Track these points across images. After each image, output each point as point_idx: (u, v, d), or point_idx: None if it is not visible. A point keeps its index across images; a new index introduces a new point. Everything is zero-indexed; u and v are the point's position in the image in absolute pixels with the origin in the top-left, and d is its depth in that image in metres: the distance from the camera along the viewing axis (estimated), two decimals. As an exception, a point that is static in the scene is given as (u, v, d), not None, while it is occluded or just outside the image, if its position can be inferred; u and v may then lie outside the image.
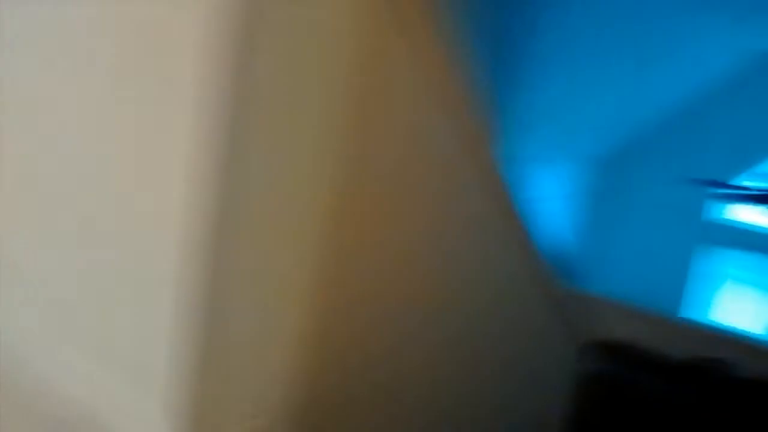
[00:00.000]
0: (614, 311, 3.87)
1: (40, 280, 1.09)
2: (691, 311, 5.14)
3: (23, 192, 1.08)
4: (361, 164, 1.25)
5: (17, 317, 1.13)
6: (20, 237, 1.10)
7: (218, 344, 1.03)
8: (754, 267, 5.08)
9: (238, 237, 1.01)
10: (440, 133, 1.45)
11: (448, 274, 1.65)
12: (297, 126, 1.06)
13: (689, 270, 5.17)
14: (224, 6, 0.85)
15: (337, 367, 1.34)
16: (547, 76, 3.60)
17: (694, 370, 3.34)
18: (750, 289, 5.08)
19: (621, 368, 3.46)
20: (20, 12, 1.03)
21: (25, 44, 1.04)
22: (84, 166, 1.00)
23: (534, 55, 3.43)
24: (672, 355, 3.62)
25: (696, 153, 5.03)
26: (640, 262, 5.25)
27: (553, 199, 5.16)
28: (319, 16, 1.01)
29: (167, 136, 0.91)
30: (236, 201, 0.96)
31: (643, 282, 5.12)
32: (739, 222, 5.06)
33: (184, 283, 0.93)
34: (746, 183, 4.62)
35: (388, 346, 1.49)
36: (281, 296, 1.14)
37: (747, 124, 4.85)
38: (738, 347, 3.53)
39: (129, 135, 0.95)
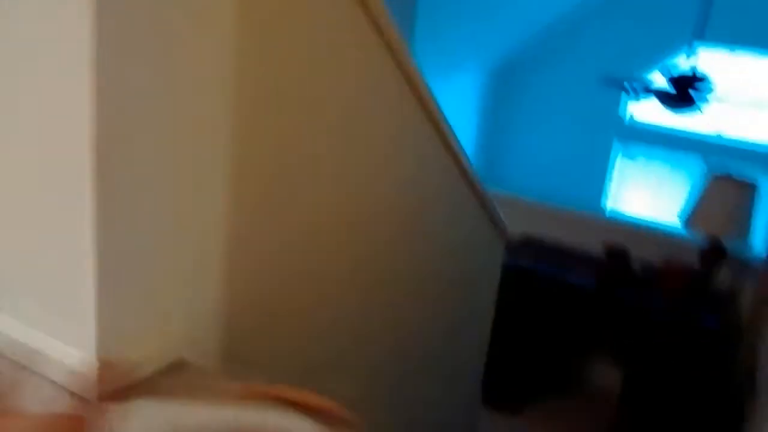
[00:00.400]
0: (532, 210, 4.01)
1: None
2: (599, 205, 5.39)
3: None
4: (268, 77, 1.23)
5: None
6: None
7: (135, 276, 1.03)
8: (657, 161, 5.32)
9: (146, 154, 1.00)
10: (356, 40, 1.43)
11: (378, 178, 1.67)
12: (193, 52, 1.04)
13: (597, 167, 5.37)
14: None
15: (260, 290, 1.36)
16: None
17: (599, 260, 3.53)
18: (655, 181, 5.34)
19: (539, 263, 3.63)
20: None
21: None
22: None
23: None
24: (581, 248, 3.81)
25: (600, 51, 5.14)
26: (550, 162, 5.42)
27: (461, 108, 5.20)
28: None
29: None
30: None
31: (553, 181, 5.31)
32: (642, 119, 5.25)
33: (100, 213, 0.93)
34: (648, 80, 4.77)
35: (314, 258, 1.51)
36: (198, 226, 1.14)
37: (647, 22, 4.98)
38: (642, 236, 3.75)
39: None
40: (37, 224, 1.00)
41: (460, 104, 5.09)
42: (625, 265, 3.52)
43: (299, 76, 1.29)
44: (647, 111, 5.16)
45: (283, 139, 1.30)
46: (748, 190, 3.22)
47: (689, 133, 5.12)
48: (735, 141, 4.96)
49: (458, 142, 1.95)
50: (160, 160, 1.00)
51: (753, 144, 4.88)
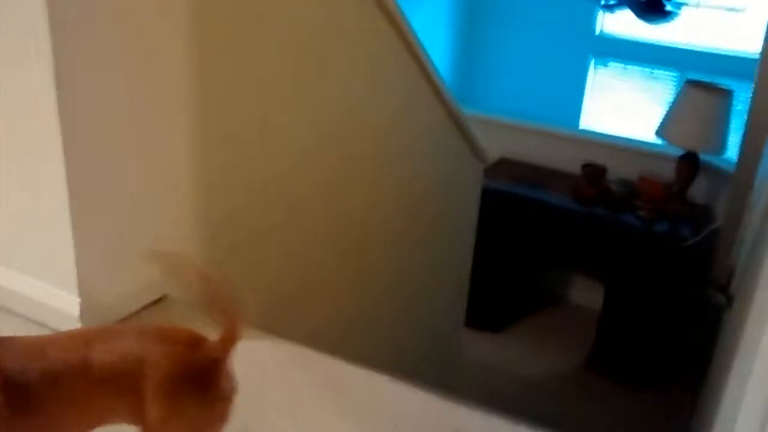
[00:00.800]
0: (510, 130, 4.00)
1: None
2: (577, 122, 5.38)
3: None
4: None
5: None
6: None
7: (110, 216, 1.02)
8: (633, 76, 5.30)
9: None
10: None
11: (351, 100, 1.65)
12: None
13: (577, 82, 5.34)
14: None
15: (239, 221, 1.36)
16: None
17: (577, 178, 3.55)
18: (630, 97, 5.33)
19: (515, 185, 3.65)
20: None
21: None
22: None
23: None
24: (562, 167, 3.83)
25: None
26: (528, 78, 5.36)
27: (433, 28, 5.11)
28: None
29: None
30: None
31: (533, 98, 5.27)
32: (616, 32, 5.20)
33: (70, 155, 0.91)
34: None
35: (292, 184, 1.51)
36: (169, 163, 1.12)
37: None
38: (619, 152, 3.76)
39: None
40: (13, 173, 0.98)
41: (431, 24, 4.99)
42: (602, 182, 3.55)
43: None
44: (621, 23, 5.10)
45: (255, 68, 1.27)
46: (723, 97, 3.19)
47: (664, 45, 5.08)
48: (712, 51, 4.93)
49: (432, 63, 1.92)
50: (124, 95, 0.98)
51: (730, 53, 4.85)
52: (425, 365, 2.58)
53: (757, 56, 3.04)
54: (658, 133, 3.36)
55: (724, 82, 3.51)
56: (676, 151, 3.37)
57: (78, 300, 0.97)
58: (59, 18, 0.85)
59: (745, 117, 3.22)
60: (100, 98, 0.94)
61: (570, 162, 3.78)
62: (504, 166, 3.89)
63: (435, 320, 2.60)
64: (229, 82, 1.22)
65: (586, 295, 4.05)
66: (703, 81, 3.38)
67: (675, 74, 5.14)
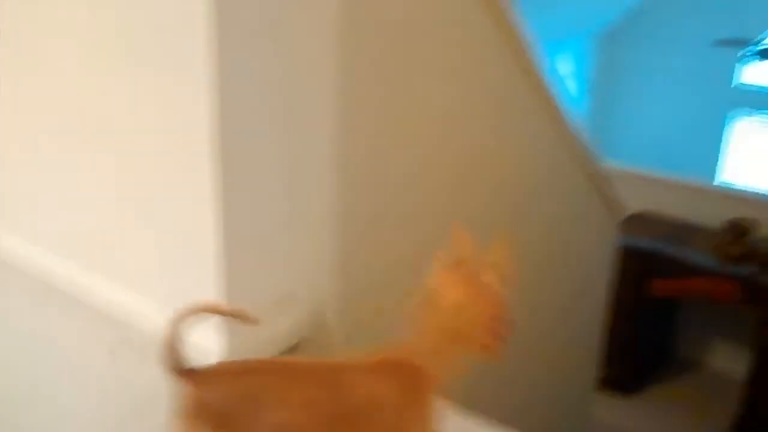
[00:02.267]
0: (647, 182, 3.85)
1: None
2: (720, 176, 5.11)
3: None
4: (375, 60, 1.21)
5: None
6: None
7: (257, 256, 1.04)
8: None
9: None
10: (468, 11, 1.39)
11: (489, 156, 1.63)
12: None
13: (715, 134, 5.09)
14: None
15: (374, 270, 1.35)
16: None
17: (719, 235, 3.34)
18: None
19: (654, 241, 3.48)
20: None
21: None
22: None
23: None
24: (701, 222, 3.62)
25: (711, 14, 4.85)
26: (666, 130, 5.17)
27: (573, 76, 5.04)
28: None
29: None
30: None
31: (670, 150, 5.06)
32: (757, 83, 4.93)
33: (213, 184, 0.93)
34: (762, 40, 4.45)
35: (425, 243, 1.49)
36: (311, 210, 1.13)
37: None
38: (764, 208, 3.52)
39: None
40: (165, 210, 1.02)
41: (571, 73, 4.94)
42: (747, 240, 3.32)
43: (405, 47, 1.26)
44: (763, 75, 4.84)
45: (389, 118, 1.28)
46: None
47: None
48: None
49: (569, 114, 1.88)
50: (274, 147, 1.01)
51: None
52: (554, 427, 2.46)
53: None
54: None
55: None
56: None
57: (223, 340, 0.99)
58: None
59: None
60: (255, 142, 0.97)
61: (711, 217, 3.58)
62: (641, 221, 3.73)
63: (566, 383, 2.49)
64: (377, 133, 1.23)
65: (728, 362, 3.77)
66: None
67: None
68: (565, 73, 4.89)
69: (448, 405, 0.98)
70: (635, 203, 3.76)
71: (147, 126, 1.00)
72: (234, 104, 0.92)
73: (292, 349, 1.11)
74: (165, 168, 0.99)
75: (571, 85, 5.00)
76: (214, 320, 0.99)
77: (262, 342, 1.05)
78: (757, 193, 3.72)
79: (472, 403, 1.74)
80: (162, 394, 0.95)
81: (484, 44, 1.49)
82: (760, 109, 5.01)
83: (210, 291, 0.97)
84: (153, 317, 1.07)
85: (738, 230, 3.32)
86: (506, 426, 0.95)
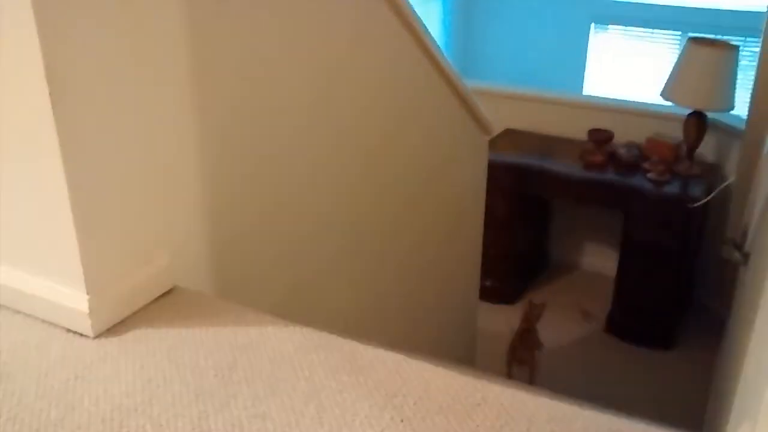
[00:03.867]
0: (514, 100, 3.96)
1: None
2: (585, 88, 5.33)
3: None
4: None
5: None
6: None
7: (111, 209, 1.01)
8: (636, 40, 5.24)
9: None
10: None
11: (354, 81, 1.63)
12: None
13: (578, 48, 5.28)
14: None
15: (241, 206, 1.34)
16: None
17: (584, 145, 3.52)
18: (634, 61, 5.27)
19: (523, 155, 3.62)
20: None
21: None
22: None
23: None
24: (567, 134, 3.79)
25: None
26: (529, 46, 5.31)
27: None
28: None
29: None
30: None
31: (535, 66, 5.22)
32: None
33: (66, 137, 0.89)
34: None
35: (295, 166, 1.49)
36: (168, 152, 1.11)
37: None
38: (625, 116, 3.72)
39: None
40: (12, 170, 0.97)
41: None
42: (609, 147, 3.52)
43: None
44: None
45: (253, 45, 1.25)
46: (729, 52, 3.14)
47: (664, 5, 5.01)
48: (713, 8, 4.85)
49: (431, 35, 1.89)
50: (121, 88, 0.96)
51: (733, 9, 4.77)
52: (443, 343, 2.57)
53: (765, 9, 2.99)
54: (664, 94, 3.32)
55: (727, 38, 3.46)
56: (683, 111, 3.33)
57: (87, 297, 0.96)
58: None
59: (755, 72, 3.18)
60: (97, 89, 0.92)
61: (576, 129, 3.75)
62: (509, 137, 3.86)
63: (449, 297, 2.59)
64: (235, 69, 1.20)
65: (599, 261, 4.03)
66: (706, 37, 3.33)
67: (677, 34, 5.08)
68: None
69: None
70: (504, 121, 3.89)
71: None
72: (69, 49, 0.87)
73: (166, 294, 1.10)
74: (9, 124, 0.93)
75: (431, 7, 5.02)
76: (70, 275, 0.96)
77: (130, 292, 1.03)
78: (620, 102, 3.92)
79: (356, 321, 1.79)
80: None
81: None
82: (619, 21, 5.22)
83: (69, 247, 0.94)
84: (15, 284, 1.02)
85: (600, 139, 3.50)
86: (397, 346, 0.99)
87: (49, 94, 0.86)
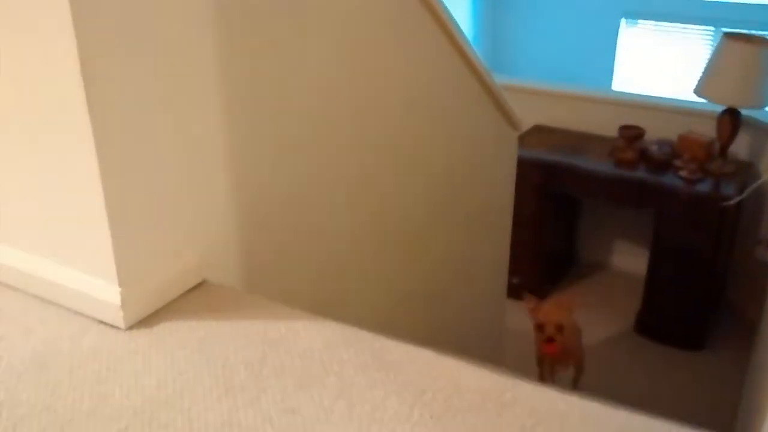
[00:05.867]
0: (543, 96, 3.93)
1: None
2: (615, 84, 5.26)
3: None
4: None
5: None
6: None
7: (143, 204, 1.01)
8: (668, 35, 5.16)
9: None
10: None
11: (389, 80, 1.63)
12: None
13: (608, 43, 5.22)
14: None
15: (270, 203, 1.34)
16: None
17: (615, 142, 3.47)
18: (666, 57, 5.20)
19: (552, 152, 3.58)
20: None
21: None
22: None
23: None
24: (597, 131, 3.74)
25: None
26: (559, 42, 5.26)
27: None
28: None
29: None
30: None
31: (564, 62, 5.17)
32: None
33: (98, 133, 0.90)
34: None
35: (323, 164, 1.49)
36: (198, 149, 1.11)
37: None
38: (659, 112, 3.66)
39: None
40: (45, 162, 0.98)
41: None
42: (640, 144, 3.47)
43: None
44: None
45: (276, 41, 1.25)
46: (764, 48, 3.08)
47: (700, 1, 4.92)
48: (746, 2, 4.77)
49: (461, 30, 1.88)
50: (153, 83, 0.96)
51: (766, 3, 4.67)
52: (469, 340, 2.56)
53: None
54: (697, 91, 3.26)
55: (763, 33, 3.40)
56: (716, 108, 3.27)
57: (119, 289, 0.97)
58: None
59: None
60: (129, 84, 0.93)
61: (606, 125, 3.71)
62: (538, 133, 3.83)
63: (477, 294, 2.58)
64: (261, 63, 1.20)
65: (629, 260, 3.99)
66: (742, 33, 3.26)
67: (710, 29, 4.99)
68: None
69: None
70: (533, 118, 3.85)
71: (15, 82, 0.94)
72: (98, 36, 0.88)
73: (196, 288, 1.10)
74: (41, 122, 0.94)
75: (460, 2, 4.99)
76: (103, 268, 0.96)
77: (161, 285, 1.04)
78: (652, 99, 3.86)
79: (387, 319, 1.78)
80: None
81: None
82: (650, 16, 5.15)
83: (102, 239, 0.94)
84: (47, 275, 1.04)
85: (631, 135, 3.46)
86: (425, 344, 0.98)
87: (84, 87, 0.86)
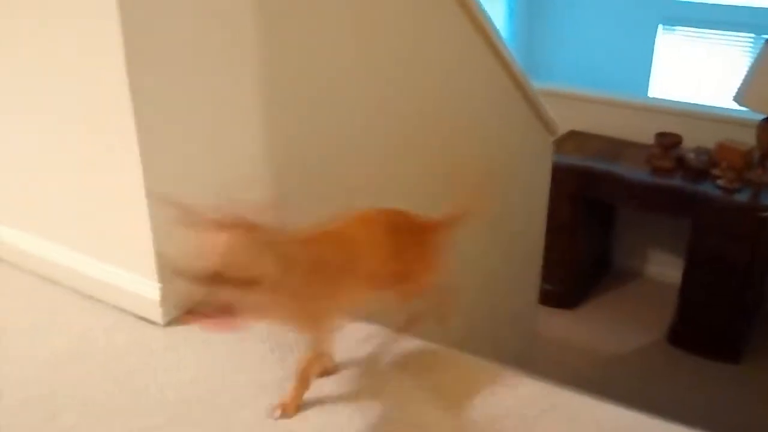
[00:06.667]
0: (579, 101, 3.89)
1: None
2: (651, 91, 5.20)
3: None
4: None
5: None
6: None
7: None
8: (707, 42, 5.08)
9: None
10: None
11: (418, 77, 1.62)
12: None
13: (644, 50, 5.15)
14: None
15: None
16: None
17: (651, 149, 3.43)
18: (705, 64, 5.12)
19: (588, 158, 3.55)
20: None
21: None
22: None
23: None
24: (633, 138, 3.70)
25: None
26: (595, 48, 5.21)
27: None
28: None
29: None
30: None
31: (601, 68, 5.12)
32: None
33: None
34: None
35: (359, 154, 1.49)
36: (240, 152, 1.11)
37: None
38: (697, 119, 3.60)
39: None
40: (89, 165, 0.99)
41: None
42: (677, 152, 3.41)
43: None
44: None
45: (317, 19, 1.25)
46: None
47: (740, 7, 4.84)
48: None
49: (499, 34, 1.87)
50: (196, 91, 0.97)
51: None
52: (501, 346, 2.54)
53: None
54: (737, 98, 3.20)
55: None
56: (756, 117, 3.21)
57: (159, 285, 0.98)
58: None
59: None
60: (174, 85, 0.94)
61: (642, 132, 3.66)
62: (573, 139, 3.79)
63: (510, 300, 2.56)
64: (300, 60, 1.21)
65: (663, 269, 3.93)
66: (783, 38, 3.19)
67: (750, 36, 4.90)
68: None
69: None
70: (568, 123, 3.81)
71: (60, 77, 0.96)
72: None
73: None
74: (83, 113, 0.96)
75: (497, 6, 4.97)
76: (143, 264, 0.97)
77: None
78: (690, 106, 3.80)
79: (425, 332, 1.77)
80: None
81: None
82: (688, 23, 5.08)
83: (143, 237, 0.96)
84: (87, 270, 1.05)
85: (666, 143, 3.41)
86: (455, 348, 0.98)
87: (131, 99, 0.87)
